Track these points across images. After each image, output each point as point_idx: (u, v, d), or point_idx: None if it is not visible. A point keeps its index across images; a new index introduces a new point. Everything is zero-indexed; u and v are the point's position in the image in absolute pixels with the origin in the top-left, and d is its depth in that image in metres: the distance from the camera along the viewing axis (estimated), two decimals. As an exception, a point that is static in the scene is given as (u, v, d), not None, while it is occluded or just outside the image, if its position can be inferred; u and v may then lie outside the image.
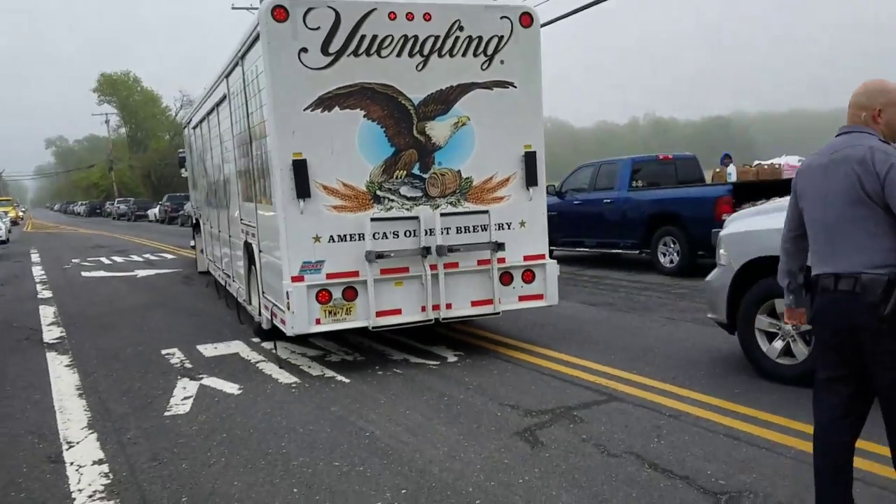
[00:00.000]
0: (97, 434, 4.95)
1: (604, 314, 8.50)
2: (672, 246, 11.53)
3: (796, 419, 4.49)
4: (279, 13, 5.93)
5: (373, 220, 6.26)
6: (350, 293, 6.28)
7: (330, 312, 6.24)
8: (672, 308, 8.69)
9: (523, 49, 6.59)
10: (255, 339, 7.85)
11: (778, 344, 5.25)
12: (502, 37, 6.51)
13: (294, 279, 6.15)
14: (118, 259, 19.02)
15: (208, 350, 7.47)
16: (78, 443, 4.80)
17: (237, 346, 7.59)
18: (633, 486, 3.72)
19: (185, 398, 5.74)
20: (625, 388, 5.42)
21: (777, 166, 11.72)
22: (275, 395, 5.73)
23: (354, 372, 6.34)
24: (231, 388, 5.99)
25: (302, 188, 6.08)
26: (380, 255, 6.23)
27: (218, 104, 9.20)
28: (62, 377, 6.63)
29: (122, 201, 63.96)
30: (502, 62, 6.53)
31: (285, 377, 6.28)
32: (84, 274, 15.62)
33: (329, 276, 6.23)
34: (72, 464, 4.42)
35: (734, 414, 4.73)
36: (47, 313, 10.30)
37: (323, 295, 6.20)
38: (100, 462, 4.43)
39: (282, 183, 6.09)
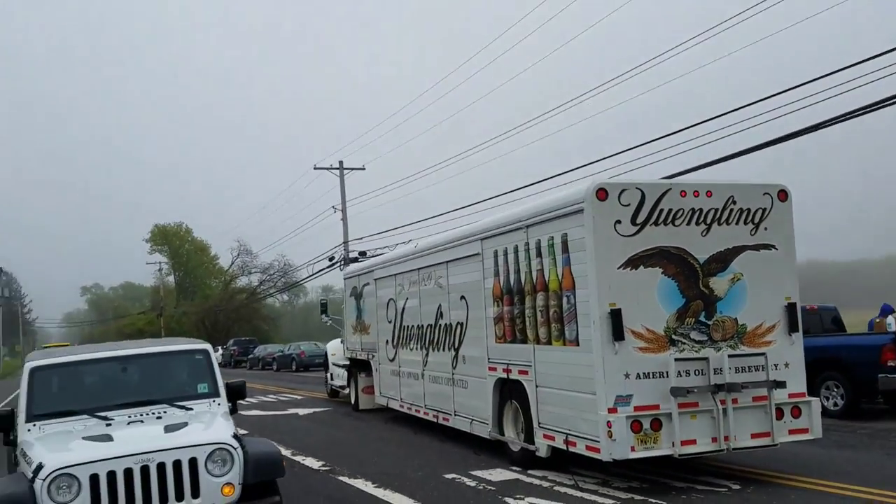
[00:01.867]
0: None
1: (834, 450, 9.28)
2: (836, 391, 12.34)
3: None
4: (601, 194, 7.40)
5: (677, 360, 7.37)
6: (656, 424, 7.27)
7: (641, 441, 7.21)
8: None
9: (781, 218, 7.95)
10: (515, 467, 8.72)
11: None
12: (765, 209, 7.90)
13: (610, 410, 7.18)
14: (256, 399, 19.99)
15: (488, 475, 8.36)
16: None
17: (508, 473, 8.46)
18: None
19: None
20: None
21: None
22: (617, 513, 6.59)
23: (663, 496, 7.18)
24: (590, 501, 6.86)
25: (618, 332, 7.26)
26: (686, 391, 7.27)
27: (452, 261, 10.63)
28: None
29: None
30: (766, 229, 7.88)
31: (610, 497, 7.15)
32: (242, 412, 16.61)
33: (636, 408, 7.25)
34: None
35: None
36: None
37: (636, 425, 7.19)
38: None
39: (600, 328, 7.28)
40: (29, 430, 5.47)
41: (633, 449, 7.17)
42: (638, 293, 7.43)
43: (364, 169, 38.17)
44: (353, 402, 16.35)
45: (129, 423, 5.54)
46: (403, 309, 12.96)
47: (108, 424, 5.53)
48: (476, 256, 9.94)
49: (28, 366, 5.83)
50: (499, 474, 8.50)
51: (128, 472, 4.73)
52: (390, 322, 13.64)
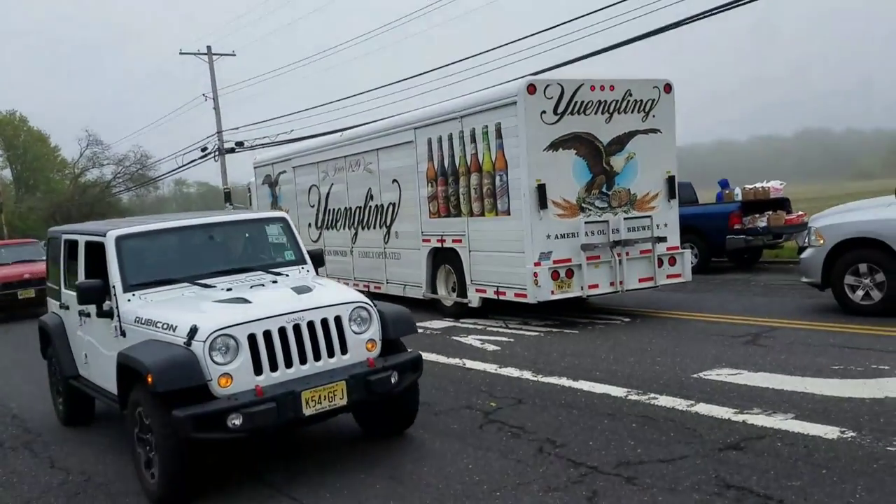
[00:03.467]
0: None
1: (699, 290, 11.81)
2: (692, 251, 15.06)
3: (892, 322, 7.85)
4: (531, 89, 8.95)
5: (586, 223, 9.30)
6: (570, 273, 9.26)
7: (559, 286, 9.19)
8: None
9: (666, 107, 9.88)
10: (449, 319, 10.57)
11: (860, 293, 8.61)
12: (654, 100, 9.78)
13: (535, 264, 9.07)
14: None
15: (429, 325, 10.15)
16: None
17: (445, 323, 10.29)
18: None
19: (488, 341, 8.49)
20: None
21: (765, 188, 15.57)
22: (542, 342, 8.60)
23: (573, 328, 9.29)
24: (518, 334, 8.79)
25: (542, 202, 9.04)
26: (592, 247, 9.26)
27: (384, 148, 11.93)
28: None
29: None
30: (654, 116, 9.79)
31: (533, 331, 9.14)
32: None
33: (555, 261, 9.18)
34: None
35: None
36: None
37: (555, 274, 9.14)
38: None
39: (529, 200, 9.02)
40: (130, 301, 5.20)
41: (552, 293, 9.14)
42: (557, 170, 9.19)
43: (234, 55, 37.20)
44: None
45: (233, 289, 5.26)
46: (328, 194, 14.15)
47: (216, 290, 5.30)
48: (410, 143, 11.29)
49: (112, 234, 5.43)
50: (438, 324, 10.32)
51: (281, 332, 4.62)
52: (313, 206, 14.80)
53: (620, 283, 9.55)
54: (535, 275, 9.06)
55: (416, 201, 11.33)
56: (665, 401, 5.68)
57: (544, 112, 9.07)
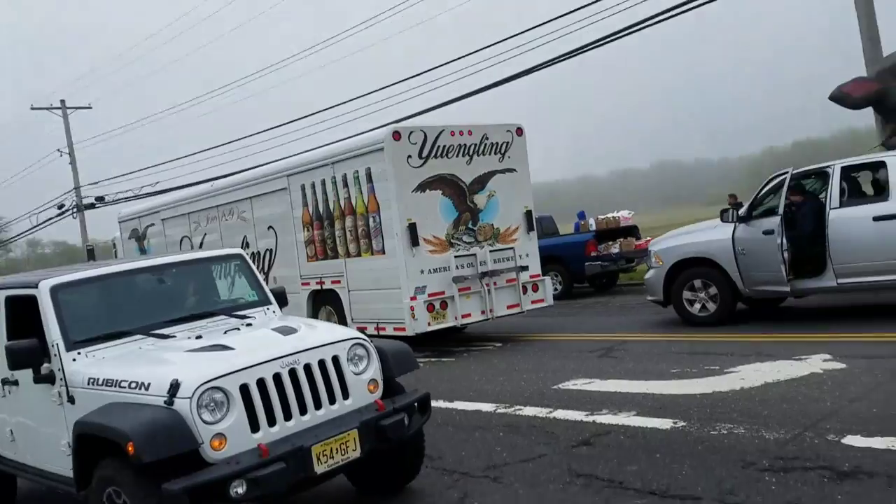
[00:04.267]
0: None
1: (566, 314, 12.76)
2: (556, 279, 16.20)
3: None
4: (396, 136, 9.63)
5: (455, 257, 10.00)
6: (444, 305, 9.90)
7: (434, 318, 9.79)
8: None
9: (519, 148, 10.84)
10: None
11: (697, 305, 9.76)
12: (508, 142, 10.71)
13: (411, 298, 9.64)
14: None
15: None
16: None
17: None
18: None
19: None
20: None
21: (616, 218, 17.02)
22: (423, 371, 9.14)
23: (450, 357, 9.89)
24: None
25: (414, 240, 9.67)
26: (463, 278, 9.96)
27: (257, 196, 12.20)
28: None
29: None
30: (509, 157, 10.72)
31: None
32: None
33: (430, 294, 9.80)
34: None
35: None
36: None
37: (430, 307, 9.74)
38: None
39: (402, 239, 9.62)
40: (76, 360, 4.45)
41: (429, 324, 9.73)
42: (426, 210, 9.86)
43: (91, 108, 35.90)
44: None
45: (203, 336, 4.64)
46: (202, 244, 14.14)
47: (181, 339, 4.66)
48: (284, 190, 11.64)
49: (46, 284, 4.66)
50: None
51: (276, 379, 4.05)
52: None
53: (490, 310, 10.29)
54: (412, 308, 9.61)
55: (294, 246, 11.65)
56: (528, 410, 6.35)
57: (410, 156, 9.75)
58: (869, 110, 13.18)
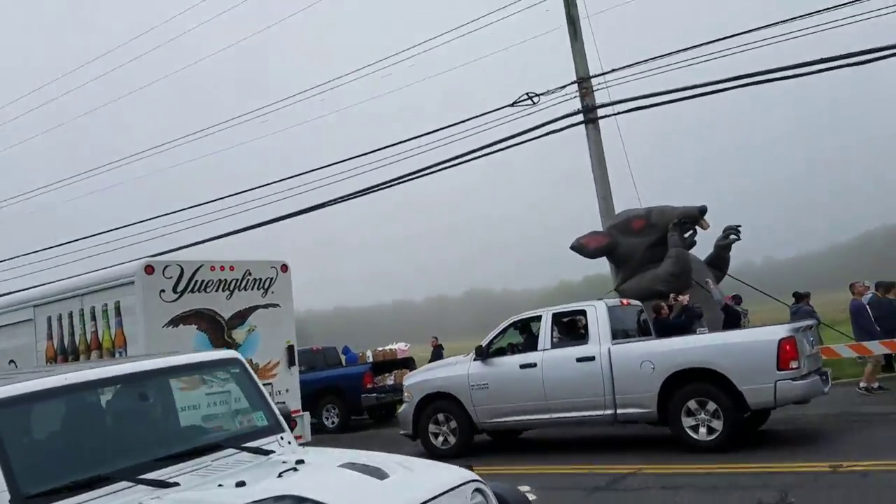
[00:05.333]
0: None
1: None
2: (333, 411, 16.25)
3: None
4: (149, 269, 9.61)
5: (207, 394, 9.87)
6: (192, 443, 9.65)
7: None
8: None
9: (283, 284, 11.20)
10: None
11: (441, 438, 10.31)
12: (272, 278, 11.04)
13: (155, 438, 9.33)
14: None
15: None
16: None
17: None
18: None
19: None
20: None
21: (393, 349, 17.64)
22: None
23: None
24: None
25: (163, 376, 9.48)
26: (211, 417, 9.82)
27: (2, 326, 11.41)
28: None
29: None
30: (273, 292, 11.01)
31: None
32: None
33: (177, 433, 9.53)
34: None
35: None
36: None
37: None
38: None
39: (148, 374, 9.40)
40: None
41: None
42: (179, 345, 9.73)
43: None
44: None
45: (247, 483, 3.29)
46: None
47: (207, 488, 3.36)
48: (29, 322, 10.99)
49: None
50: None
51: None
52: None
53: (243, 448, 10.16)
54: (154, 448, 9.27)
55: (35, 380, 10.88)
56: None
57: (163, 290, 9.73)
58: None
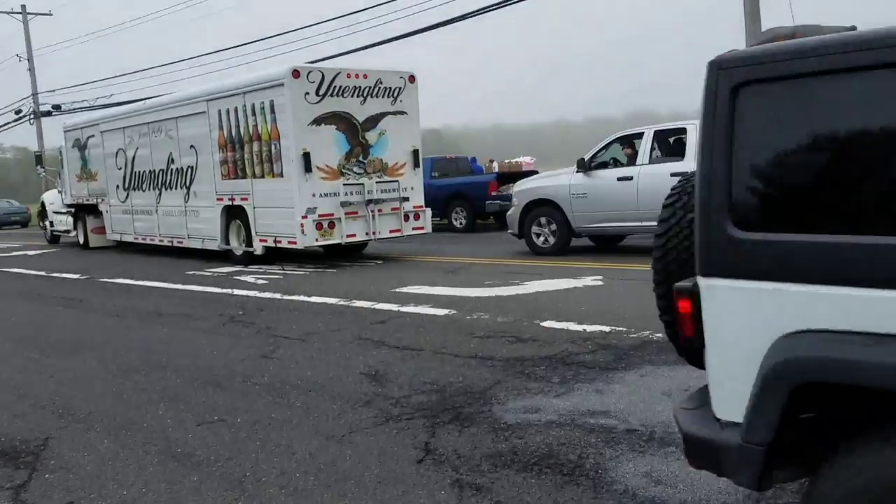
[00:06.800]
0: (242, 287, 9.79)
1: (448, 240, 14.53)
2: (462, 213, 17.97)
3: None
4: (295, 74, 11.11)
5: (345, 185, 11.66)
6: (332, 225, 11.60)
7: (322, 235, 11.50)
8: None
9: (410, 94, 12.41)
10: (239, 265, 12.60)
11: (542, 239, 11.63)
12: (400, 87, 12.27)
13: (303, 217, 11.32)
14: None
15: (219, 269, 12.13)
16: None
17: (234, 268, 12.32)
18: (505, 273, 9.81)
19: (262, 278, 10.65)
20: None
21: (518, 163, 18.75)
22: (305, 277, 10.89)
23: (335, 269, 11.67)
24: (289, 274, 11.00)
25: (308, 167, 11.28)
26: (350, 203, 11.65)
27: (182, 117, 13.61)
28: (154, 282, 10.97)
29: None
30: (401, 101, 12.30)
31: (301, 271, 11.41)
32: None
33: (320, 215, 11.48)
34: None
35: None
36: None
37: (319, 225, 11.44)
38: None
39: (297, 165, 11.22)
40: None
41: (317, 240, 11.46)
42: (321, 142, 11.46)
43: (51, 14, 36.25)
44: (81, 242, 18.51)
45: None
46: (134, 157, 15.53)
47: None
48: (203, 114, 13.08)
49: None
50: (227, 269, 12.32)
51: None
52: (120, 169, 16.10)
53: (375, 233, 12.04)
54: (302, 226, 11.30)
55: (211, 165, 13.17)
56: (359, 303, 8.17)
57: (308, 93, 11.27)
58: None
